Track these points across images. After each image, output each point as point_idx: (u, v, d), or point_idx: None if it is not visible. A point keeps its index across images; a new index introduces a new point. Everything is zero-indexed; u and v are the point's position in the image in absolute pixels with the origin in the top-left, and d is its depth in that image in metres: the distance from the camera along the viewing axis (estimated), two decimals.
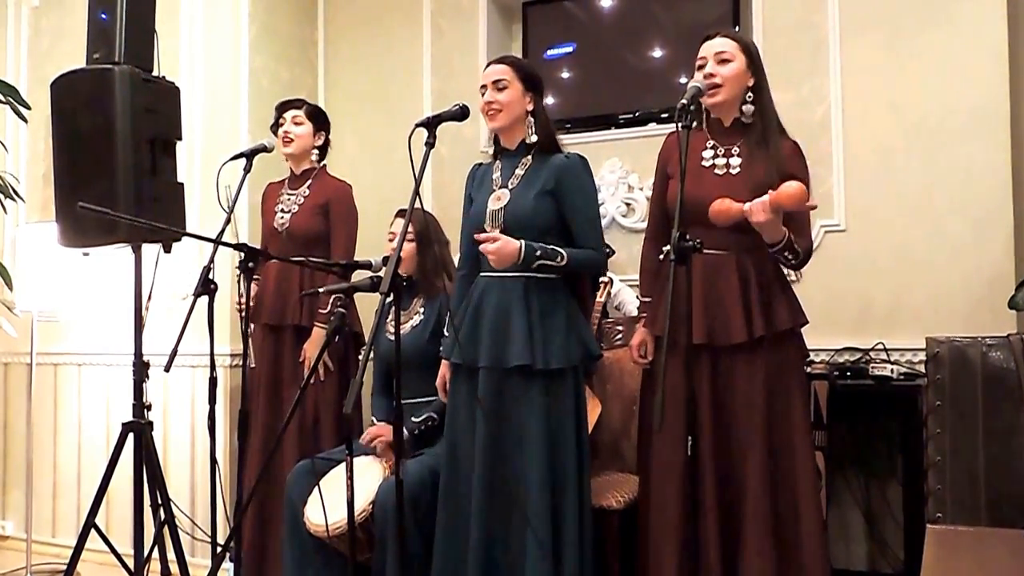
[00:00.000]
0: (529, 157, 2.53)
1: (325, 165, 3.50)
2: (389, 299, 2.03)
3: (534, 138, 2.51)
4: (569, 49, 3.86)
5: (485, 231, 2.50)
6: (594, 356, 2.53)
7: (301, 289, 3.24)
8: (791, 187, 2.14)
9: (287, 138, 3.36)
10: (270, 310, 3.30)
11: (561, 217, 2.48)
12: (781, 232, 2.23)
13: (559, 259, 2.42)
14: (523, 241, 2.40)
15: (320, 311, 3.19)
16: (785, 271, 2.45)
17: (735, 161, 2.40)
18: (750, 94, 2.38)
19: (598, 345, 2.56)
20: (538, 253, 2.40)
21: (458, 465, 2.50)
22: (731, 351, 2.35)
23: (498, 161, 2.61)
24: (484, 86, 2.53)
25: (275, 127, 3.41)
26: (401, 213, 3.11)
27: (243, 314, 2.89)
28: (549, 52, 3.89)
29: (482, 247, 2.41)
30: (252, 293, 3.24)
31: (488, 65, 2.59)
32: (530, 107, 2.52)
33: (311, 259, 3.22)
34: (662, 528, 2.38)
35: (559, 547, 2.38)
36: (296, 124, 3.37)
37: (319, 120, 3.45)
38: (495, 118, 2.51)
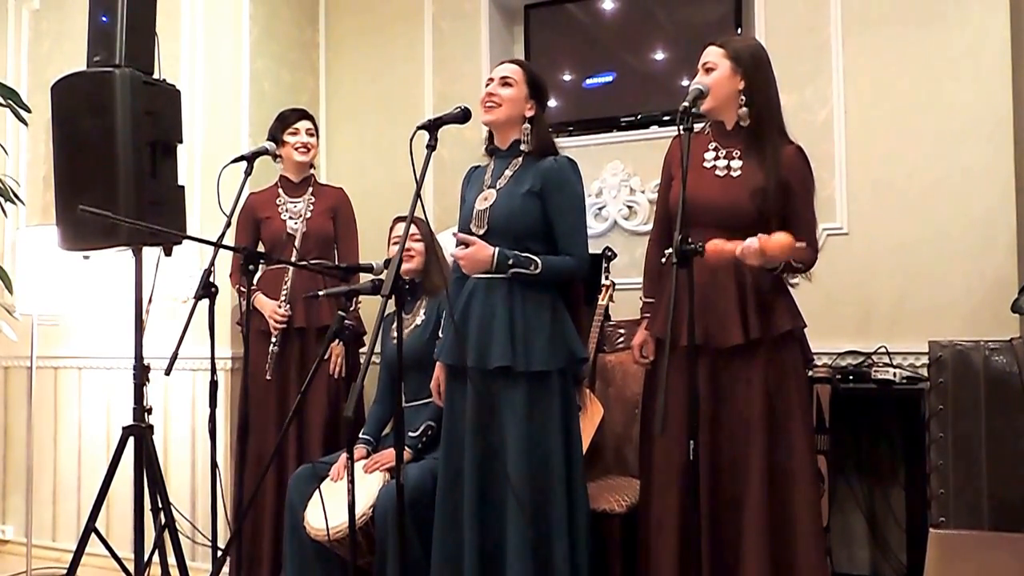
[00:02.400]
0: (520, 159, 2.53)
1: (315, 173, 3.57)
2: (390, 302, 2.03)
3: (528, 147, 2.51)
4: (609, 79, 3.82)
5: (471, 231, 2.50)
6: (578, 359, 2.50)
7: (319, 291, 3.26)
8: (779, 238, 2.14)
9: (306, 148, 3.40)
10: (302, 314, 3.30)
11: (546, 220, 2.47)
12: (776, 261, 2.23)
13: (533, 267, 2.41)
14: (497, 248, 2.40)
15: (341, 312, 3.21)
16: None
17: (736, 163, 2.40)
18: (742, 97, 2.38)
19: (584, 348, 2.53)
20: (510, 261, 2.40)
21: (454, 466, 2.50)
22: (729, 353, 2.35)
23: (492, 161, 2.61)
24: (491, 79, 2.54)
25: (280, 134, 3.40)
26: (400, 219, 3.10)
27: (245, 321, 2.89)
28: (588, 82, 3.86)
29: (454, 252, 2.42)
30: (252, 300, 3.25)
31: (500, 63, 2.59)
32: (529, 113, 2.51)
33: (312, 262, 3.23)
34: (661, 531, 2.38)
35: (548, 551, 2.37)
36: (310, 135, 3.43)
37: (318, 131, 3.54)
38: (491, 111, 2.50)
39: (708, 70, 2.39)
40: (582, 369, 2.58)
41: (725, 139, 2.44)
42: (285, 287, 3.31)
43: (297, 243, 3.35)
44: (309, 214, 3.39)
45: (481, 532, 2.41)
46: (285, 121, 3.41)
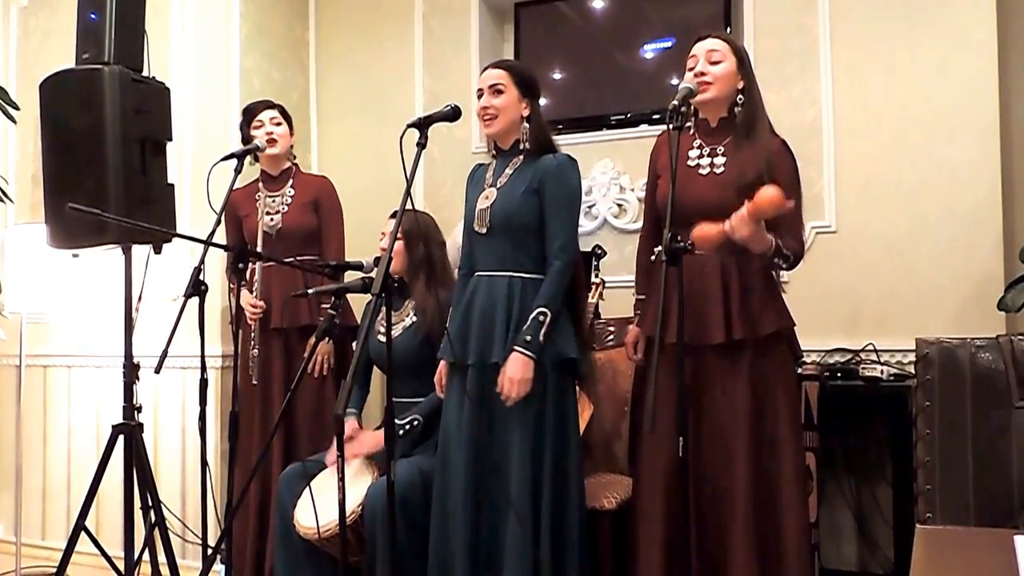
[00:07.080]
0: (520, 157, 2.54)
1: (298, 164, 3.46)
2: (380, 299, 2.03)
3: (528, 146, 2.51)
4: (668, 44, 3.72)
5: (474, 230, 2.53)
6: (564, 359, 2.46)
7: (307, 289, 3.22)
8: (767, 192, 2.10)
9: (272, 139, 3.29)
10: (280, 314, 3.25)
11: (544, 217, 2.48)
12: (768, 241, 2.21)
13: (545, 317, 2.38)
14: (517, 351, 2.35)
15: (324, 306, 3.15)
16: (774, 274, 2.45)
17: (719, 160, 2.41)
18: (740, 96, 2.39)
19: (576, 347, 2.49)
20: (529, 338, 2.36)
21: (450, 463, 2.50)
22: (716, 351, 2.36)
23: (494, 160, 2.62)
24: (481, 90, 2.54)
25: (247, 129, 3.32)
26: (395, 215, 3.06)
27: (236, 319, 2.88)
28: (646, 47, 3.77)
29: (499, 387, 2.38)
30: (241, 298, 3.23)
31: (485, 69, 2.59)
32: (525, 112, 2.52)
33: (301, 259, 3.21)
34: (649, 529, 2.39)
35: (536, 549, 2.38)
36: (276, 124, 3.32)
37: (289, 119, 3.41)
38: (491, 124, 2.51)
39: (715, 62, 2.38)
40: (584, 368, 2.57)
41: (709, 137, 2.45)
42: (256, 283, 3.25)
43: (266, 242, 3.26)
44: (286, 208, 3.30)
45: (474, 532, 2.42)
46: (249, 115, 3.33)
